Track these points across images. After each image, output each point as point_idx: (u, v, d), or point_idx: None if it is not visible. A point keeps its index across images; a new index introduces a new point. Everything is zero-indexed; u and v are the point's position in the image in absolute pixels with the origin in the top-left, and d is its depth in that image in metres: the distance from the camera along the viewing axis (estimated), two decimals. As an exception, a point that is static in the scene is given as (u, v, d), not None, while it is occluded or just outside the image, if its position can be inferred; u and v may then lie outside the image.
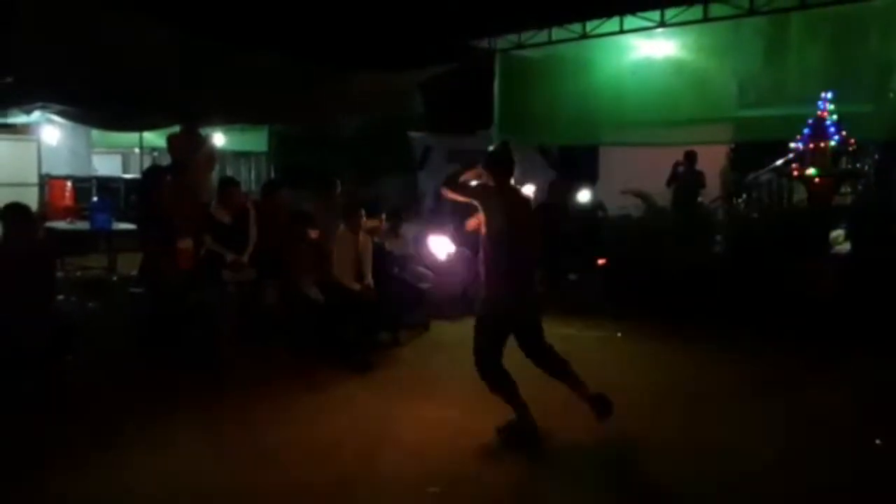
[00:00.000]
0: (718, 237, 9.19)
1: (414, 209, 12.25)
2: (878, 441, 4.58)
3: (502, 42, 11.46)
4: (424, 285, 7.79)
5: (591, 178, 13.01)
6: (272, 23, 13.90)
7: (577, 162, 14.60)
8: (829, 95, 9.21)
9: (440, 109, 15.47)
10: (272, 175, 14.99)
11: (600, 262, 9.06)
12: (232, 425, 4.68)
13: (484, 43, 11.55)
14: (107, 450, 4.22)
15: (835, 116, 9.22)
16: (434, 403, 5.21)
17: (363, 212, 6.85)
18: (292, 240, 6.71)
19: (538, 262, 4.84)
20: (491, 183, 4.60)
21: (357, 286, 6.56)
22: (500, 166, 4.65)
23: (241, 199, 7.09)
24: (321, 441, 4.49)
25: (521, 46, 11.34)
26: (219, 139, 14.34)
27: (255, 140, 16.11)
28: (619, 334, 7.51)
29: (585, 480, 4.02)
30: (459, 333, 7.57)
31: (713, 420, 5.00)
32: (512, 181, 4.72)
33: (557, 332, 7.26)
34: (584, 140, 12.86)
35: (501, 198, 4.52)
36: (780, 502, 3.83)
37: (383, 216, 7.98)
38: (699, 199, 11.08)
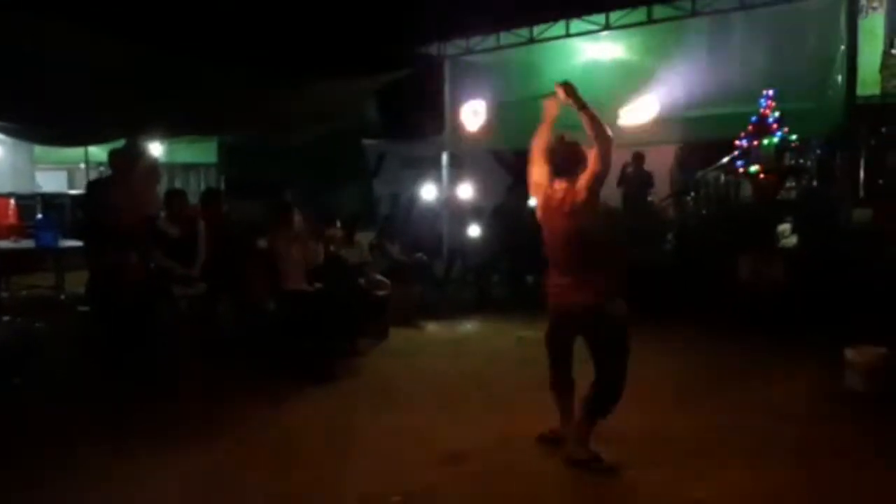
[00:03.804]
0: (669, 235, 9.35)
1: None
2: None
3: (451, 48, 11.49)
4: (382, 293, 7.75)
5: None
6: (219, 31, 13.71)
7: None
8: (771, 93, 9.45)
9: (393, 116, 15.46)
10: (222, 187, 14.78)
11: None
12: (187, 444, 4.56)
13: (433, 49, 11.57)
14: (57, 475, 4.07)
15: (777, 113, 9.46)
16: (395, 412, 5.18)
17: (295, 211, 6.80)
18: (242, 251, 6.62)
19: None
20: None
21: (309, 288, 6.51)
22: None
23: (188, 211, 6.98)
24: (281, 453, 4.43)
25: (469, 52, 11.39)
26: (165, 151, 14.08)
27: (204, 151, 15.86)
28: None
29: (547, 485, 4.03)
30: (418, 341, 7.59)
31: (668, 413, 5.07)
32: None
33: (516, 334, 7.37)
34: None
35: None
36: (739, 492, 3.90)
37: (338, 223, 7.92)
38: (649, 198, 11.26)
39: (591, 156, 4.02)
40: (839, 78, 8.69)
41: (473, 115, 4.84)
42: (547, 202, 4.23)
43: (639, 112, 4.66)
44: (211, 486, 3.97)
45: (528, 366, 6.24)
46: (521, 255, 9.09)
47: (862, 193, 9.37)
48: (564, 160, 4.18)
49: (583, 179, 4.03)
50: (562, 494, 3.92)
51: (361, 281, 7.67)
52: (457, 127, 4.59)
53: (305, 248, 6.65)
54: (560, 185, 4.18)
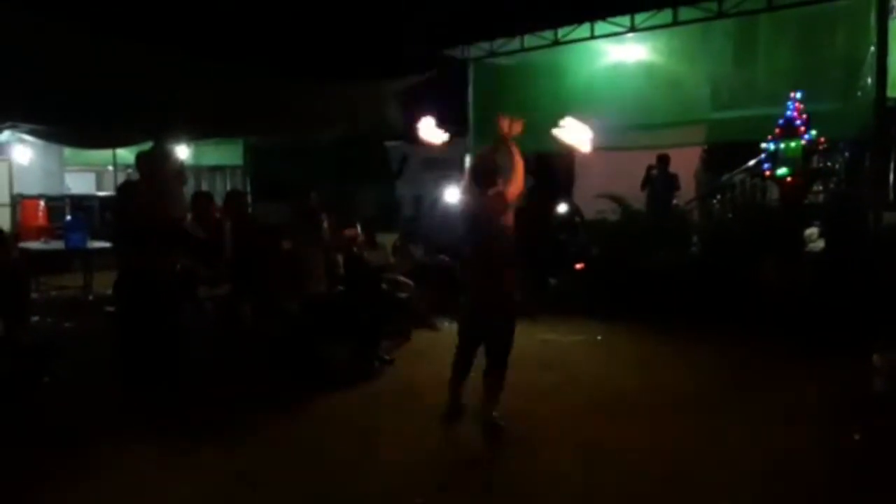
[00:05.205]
0: (694, 238, 9.26)
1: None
2: (856, 436, 4.63)
3: (475, 50, 11.50)
4: (404, 294, 7.76)
5: (567, 184, 13.11)
6: (245, 35, 13.85)
7: (554, 168, 14.67)
8: (798, 95, 9.33)
9: (417, 118, 15.48)
10: (248, 188, 14.91)
11: (578, 266, 9.11)
12: (209, 446, 4.60)
13: (457, 52, 11.59)
14: (83, 475, 4.13)
15: (804, 115, 9.34)
16: (417, 414, 5.19)
17: (323, 216, 6.82)
18: (266, 253, 6.66)
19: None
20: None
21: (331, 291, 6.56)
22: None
23: (215, 213, 7.04)
24: (303, 456, 4.45)
25: (494, 54, 11.39)
26: (192, 153, 14.23)
27: (230, 153, 16.01)
28: (599, 337, 7.55)
29: (568, 486, 4.02)
30: (440, 342, 7.57)
31: (691, 419, 5.02)
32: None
33: (540, 337, 7.35)
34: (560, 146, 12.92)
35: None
36: (769, 499, 3.85)
37: (358, 226, 7.93)
38: (674, 201, 11.17)
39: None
40: (868, 79, 8.56)
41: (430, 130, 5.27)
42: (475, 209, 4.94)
43: (573, 134, 4.82)
44: (236, 487, 4.01)
45: (550, 368, 6.26)
46: (544, 257, 9.07)
47: (892, 196, 9.22)
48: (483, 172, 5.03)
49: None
50: (582, 497, 3.90)
51: (384, 284, 7.69)
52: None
53: (328, 256, 6.68)
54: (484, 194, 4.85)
